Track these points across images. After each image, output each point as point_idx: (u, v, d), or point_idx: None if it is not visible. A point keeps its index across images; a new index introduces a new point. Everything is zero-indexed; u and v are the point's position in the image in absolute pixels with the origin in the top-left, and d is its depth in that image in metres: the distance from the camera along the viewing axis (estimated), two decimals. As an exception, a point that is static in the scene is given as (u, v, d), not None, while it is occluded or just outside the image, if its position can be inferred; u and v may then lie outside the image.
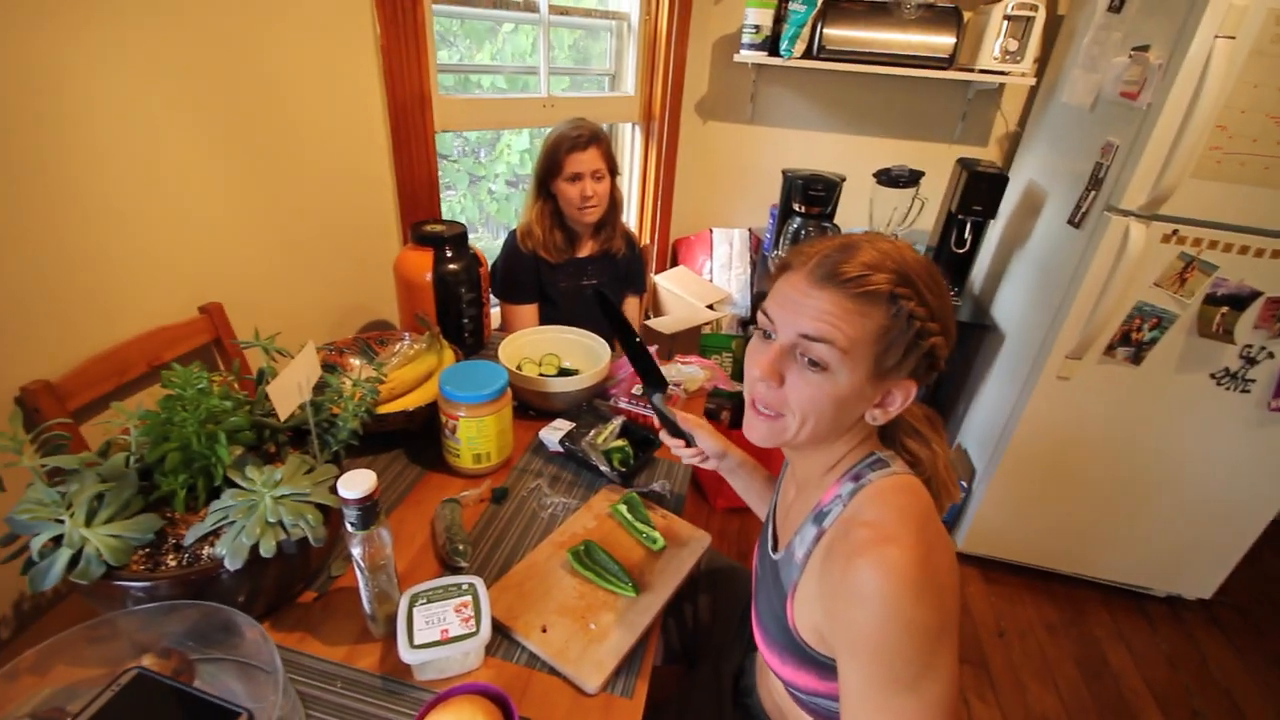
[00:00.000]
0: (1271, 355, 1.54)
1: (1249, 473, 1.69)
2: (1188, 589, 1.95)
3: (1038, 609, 1.95)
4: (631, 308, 1.82)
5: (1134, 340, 1.60)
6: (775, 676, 0.74)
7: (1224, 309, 1.52)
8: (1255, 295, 1.49)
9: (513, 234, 1.66)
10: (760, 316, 0.68)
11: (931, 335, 0.61)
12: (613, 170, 1.59)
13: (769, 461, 1.02)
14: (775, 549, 0.76)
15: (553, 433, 1.13)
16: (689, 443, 0.96)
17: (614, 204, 1.65)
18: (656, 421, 0.97)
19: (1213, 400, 1.62)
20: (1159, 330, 1.57)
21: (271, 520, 0.73)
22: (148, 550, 0.73)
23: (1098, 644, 1.85)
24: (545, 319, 1.69)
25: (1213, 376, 1.60)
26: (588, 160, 1.52)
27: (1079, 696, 1.69)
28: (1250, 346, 1.55)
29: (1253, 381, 1.58)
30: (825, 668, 0.65)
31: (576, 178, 1.53)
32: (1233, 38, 1.29)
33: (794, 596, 0.67)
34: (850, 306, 0.59)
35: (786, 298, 0.64)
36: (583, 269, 1.68)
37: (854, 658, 0.58)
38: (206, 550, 0.74)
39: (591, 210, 1.58)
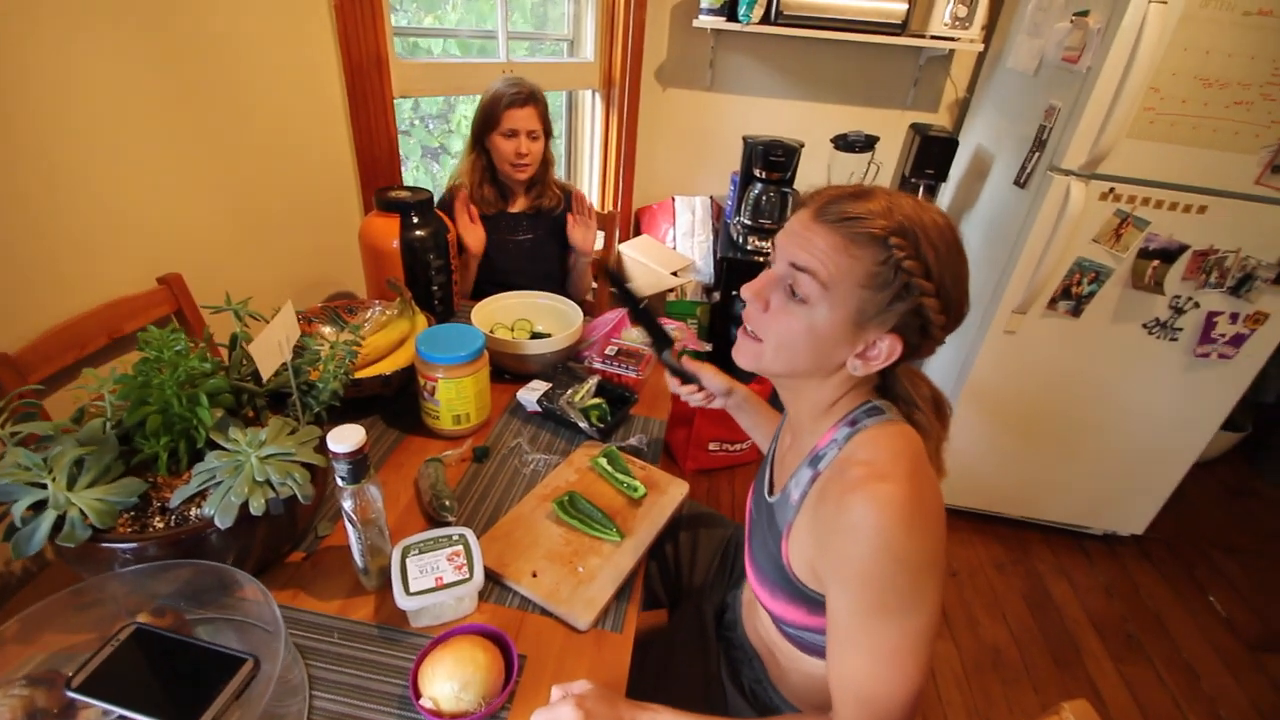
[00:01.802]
0: (1197, 305, 1.66)
1: (1176, 416, 1.83)
2: (1122, 526, 2.10)
3: (987, 549, 2.08)
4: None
5: (1074, 294, 1.69)
6: (765, 611, 0.78)
7: (1155, 262, 1.62)
8: (1183, 249, 1.60)
9: (444, 189, 1.68)
10: (771, 250, 0.71)
11: (922, 292, 0.60)
12: (547, 131, 1.62)
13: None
14: (771, 492, 0.79)
15: (530, 393, 1.15)
16: (700, 386, 1.00)
17: (545, 163, 1.68)
18: (668, 374, 1.03)
19: (1145, 348, 1.74)
20: (1097, 284, 1.67)
21: (259, 479, 0.73)
22: (133, 514, 0.73)
23: (1041, 579, 1.98)
24: (478, 271, 1.69)
25: (1144, 326, 1.72)
26: (524, 118, 1.54)
27: (1026, 627, 1.82)
28: (1179, 297, 1.66)
29: (1180, 330, 1.70)
30: (814, 603, 0.69)
31: (512, 134, 1.55)
32: (1164, 3, 1.36)
33: (789, 535, 0.71)
34: (840, 244, 0.61)
35: (791, 230, 0.66)
36: (515, 224, 1.71)
37: (844, 587, 0.61)
38: (194, 511, 0.74)
39: (524, 168, 1.61)
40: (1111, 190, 1.57)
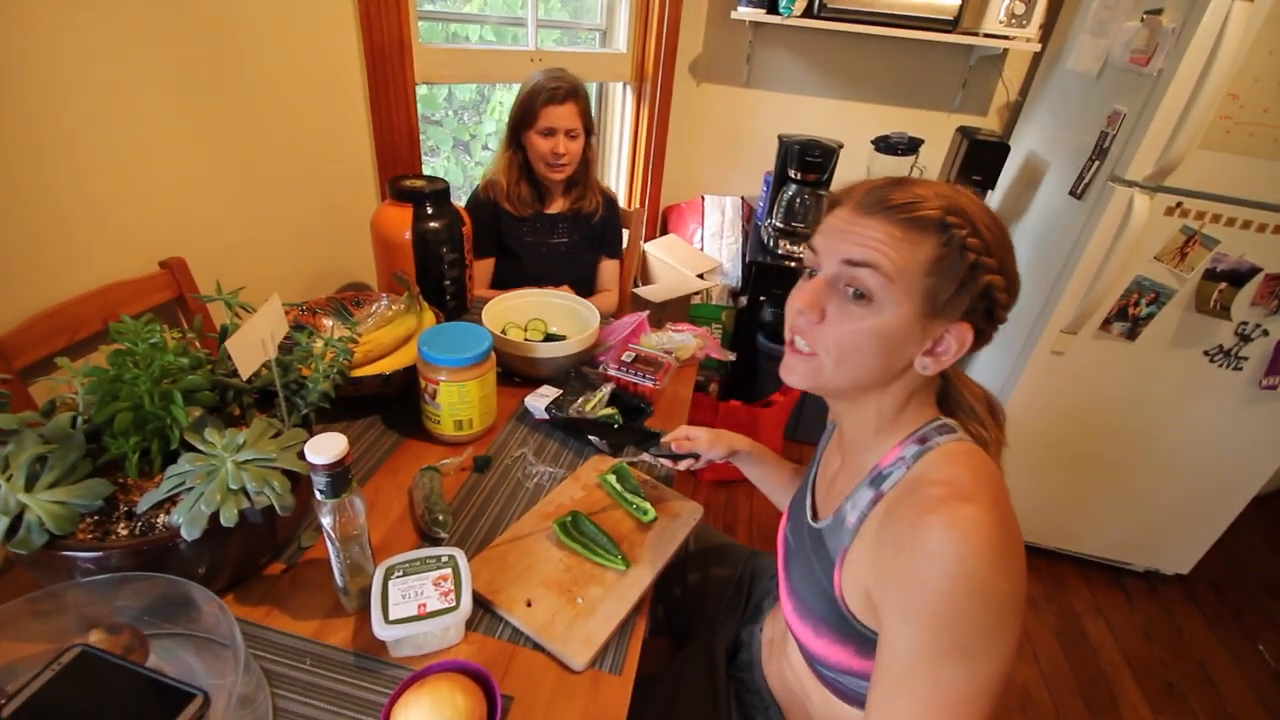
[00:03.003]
0: (1266, 333, 1.53)
1: (1235, 451, 1.70)
2: (1166, 564, 1.97)
3: (1020, 583, 1.96)
4: (607, 271, 1.76)
5: (1130, 315, 1.57)
6: (800, 651, 0.71)
7: (1222, 285, 1.50)
8: (1255, 271, 1.47)
9: (478, 185, 1.60)
10: (806, 255, 0.64)
11: (988, 271, 0.56)
12: (588, 129, 1.53)
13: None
14: (816, 518, 0.72)
15: (539, 400, 1.08)
16: (697, 458, 0.94)
17: (586, 163, 1.59)
18: (665, 462, 0.97)
19: (1205, 377, 1.61)
20: (1156, 305, 1.55)
21: (233, 487, 0.67)
22: (96, 518, 0.68)
23: (1077, 617, 1.86)
24: (508, 272, 1.63)
25: (1206, 354, 1.59)
26: (563, 116, 1.45)
27: (1058, 668, 1.70)
28: (1246, 324, 1.53)
29: (1245, 359, 1.57)
30: (865, 642, 0.61)
31: (550, 132, 1.47)
32: (1251, 0, 1.24)
33: (843, 562, 0.63)
34: (899, 234, 0.56)
35: (832, 229, 0.60)
36: (552, 226, 1.62)
37: (908, 622, 0.53)
38: (162, 518, 0.68)
39: (561, 169, 1.52)
40: (1179, 205, 1.44)
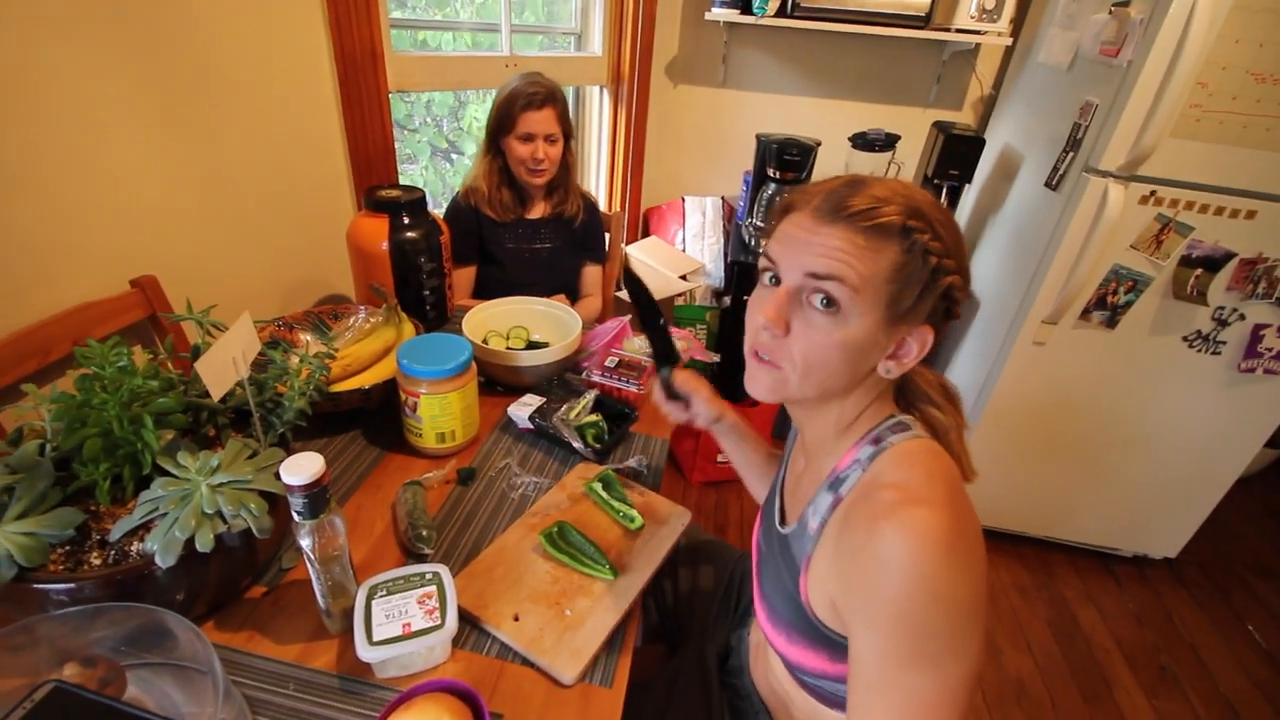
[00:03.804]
0: (1243, 317, 1.55)
1: (1217, 434, 1.72)
2: (1154, 549, 1.99)
3: (1009, 572, 1.97)
4: (591, 276, 1.75)
5: (1109, 304, 1.59)
6: (778, 657, 0.70)
7: (1198, 271, 1.51)
8: (1229, 256, 1.49)
9: (457, 192, 1.59)
10: (762, 261, 0.62)
11: (948, 273, 0.56)
12: (567, 134, 1.52)
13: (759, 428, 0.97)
14: (783, 523, 0.71)
15: (522, 409, 1.07)
16: (688, 406, 0.91)
17: (566, 167, 1.58)
18: (656, 386, 0.92)
19: (1184, 362, 1.63)
20: (1134, 293, 1.57)
21: (208, 511, 0.66)
22: (68, 548, 0.66)
23: (1068, 605, 1.88)
24: (492, 280, 1.62)
25: (1185, 339, 1.61)
26: (542, 121, 1.44)
27: (1052, 657, 1.71)
28: (1222, 308, 1.55)
29: (1223, 343, 1.59)
30: (837, 647, 0.60)
31: (529, 138, 1.46)
32: (1216, -10, 1.25)
33: (808, 569, 0.62)
34: (861, 242, 0.55)
35: (791, 238, 0.59)
36: (534, 231, 1.61)
37: (872, 629, 0.53)
38: (136, 546, 0.67)
39: (542, 173, 1.51)
40: (1153, 193, 1.46)
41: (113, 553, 0.66)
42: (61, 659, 0.62)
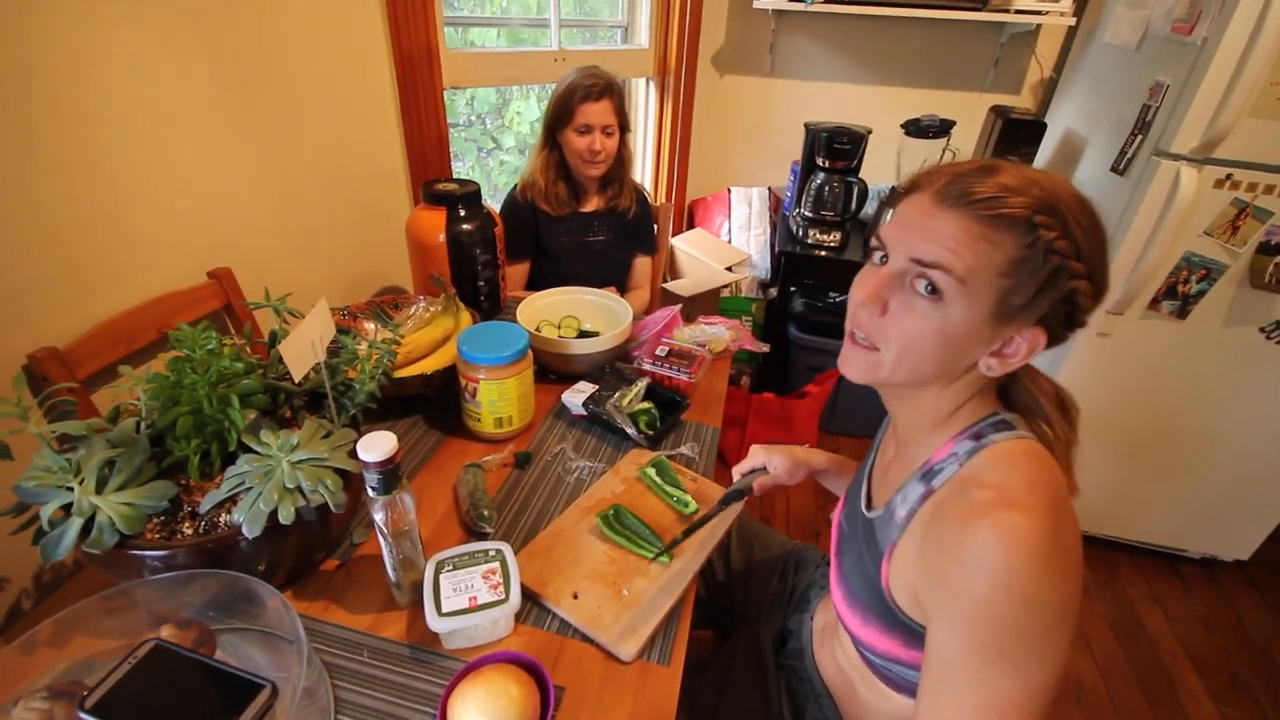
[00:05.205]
0: (1327, 306, 1.46)
1: (1297, 430, 1.63)
2: (1224, 550, 1.90)
3: (1069, 572, 1.91)
4: (642, 268, 1.77)
5: (1180, 293, 1.52)
6: (850, 639, 0.70)
7: (1278, 258, 1.43)
8: (1313, 243, 1.40)
9: (514, 188, 1.61)
10: (873, 240, 0.61)
11: (1073, 276, 0.52)
12: (624, 126, 1.53)
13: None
14: (870, 507, 0.70)
15: (575, 395, 1.09)
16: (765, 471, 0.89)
17: (621, 160, 1.59)
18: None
19: (1261, 355, 1.55)
20: (1207, 282, 1.49)
21: (289, 486, 0.69)
22: (163, 518, 0.70)
23: (1132, 606, 1.81)
24: (545, 274, 1.64)
25: (1262, 330, 1.53)
26: (599, 113, 1.46)
27: (1114, 658, 1.65)
28: (1305, 297, 1.47)
29: (1305, 335, 1.51)
30: (912, 634, 0.60)
31: (586, 130, 1.47)
32: (1303, -41, 1.18)
33: (891, 557, 0.62)
34: (977, 231, 0.52)
35: (906, 219, 0.57)
36: (588, 224, 1.63)
37: (955, 626, 0.52)
38: (224, 517, 0.71)
39: (598, 165, 1.53)
40: (1229, 177, 1.39)
41: (202, 523, 0.71)
42: (156, 621, 0.66)
